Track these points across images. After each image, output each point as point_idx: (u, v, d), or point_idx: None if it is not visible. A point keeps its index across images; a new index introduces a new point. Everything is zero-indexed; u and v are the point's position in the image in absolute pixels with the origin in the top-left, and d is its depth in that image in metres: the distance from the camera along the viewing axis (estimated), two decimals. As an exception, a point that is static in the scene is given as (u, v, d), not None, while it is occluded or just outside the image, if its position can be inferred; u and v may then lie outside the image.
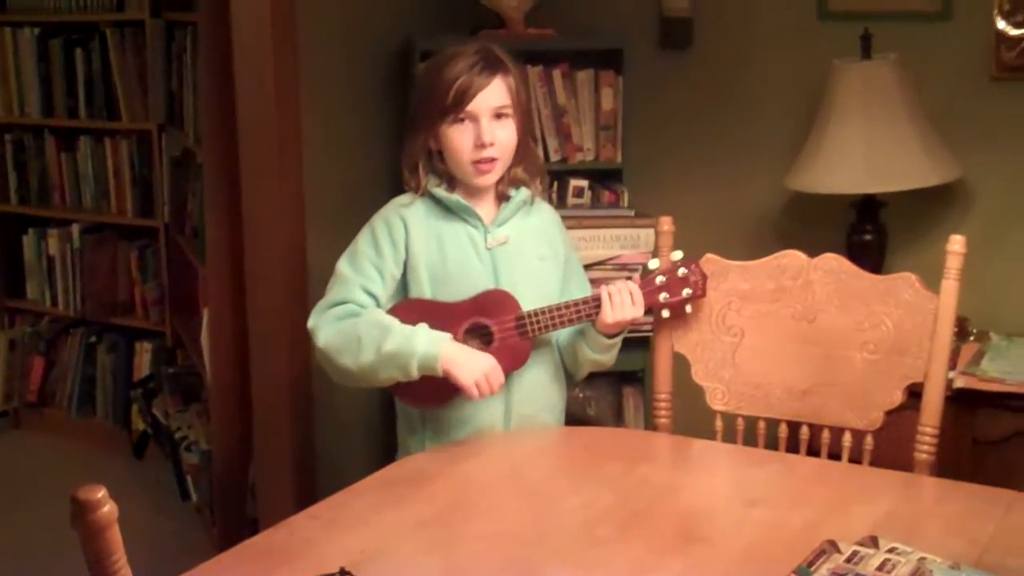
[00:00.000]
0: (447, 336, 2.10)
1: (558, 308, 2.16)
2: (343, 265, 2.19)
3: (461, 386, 2.07)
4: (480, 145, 2.14)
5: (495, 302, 2.16)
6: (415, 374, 2.08)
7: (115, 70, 4.17)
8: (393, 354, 2.06)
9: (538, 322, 2.15)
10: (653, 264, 2.21)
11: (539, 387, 2.25)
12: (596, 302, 2.16)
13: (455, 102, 2.13)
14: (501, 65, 2.18)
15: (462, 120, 2.14)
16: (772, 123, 3.26)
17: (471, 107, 2.13)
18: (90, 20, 4.20)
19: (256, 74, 2.76)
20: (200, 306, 3.51)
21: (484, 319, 2.16)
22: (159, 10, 4.03)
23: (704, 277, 2.20)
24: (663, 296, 2.18)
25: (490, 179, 2.20)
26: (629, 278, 2.22)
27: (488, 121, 2.14)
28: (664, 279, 2.18)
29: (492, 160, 2.16)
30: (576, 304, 2.16)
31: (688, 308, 2.21)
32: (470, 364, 2.07)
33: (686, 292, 2.18)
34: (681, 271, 2.18)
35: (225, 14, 2.78)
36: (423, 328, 2.09)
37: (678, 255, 2.19)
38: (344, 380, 2.19)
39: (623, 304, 2.14)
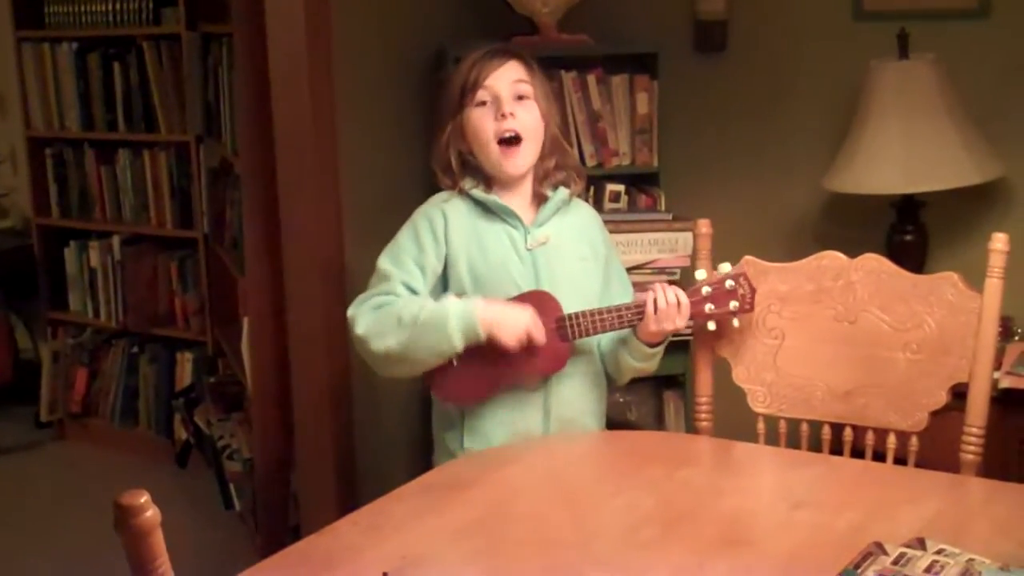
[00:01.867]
0: (478, 298, 2.11)
1: (600, 312, 2.14)
2: (384, 261, 2.20)
3: (505, 345, 2.09)
4: (501, 116, 2.15)
5: (536, 303, 2.15)
6: (458, 342, 2.08)
7: (153, 83, 4.21)
8: (428, 321, 2.07)
9: (579, 325, 2.14)
10: (700, 275, 2.17)
11: (579, 391, 2.25)
12: (639, 309, 2.14)
13: (473, 82, 2.17)
14: (516, 52, 2.23)
15: (483, 103, 2.18)
16: (809, 124, 3.24)
17: (489, 82, 2.17)
18: (127, 34, 4.24)
19: (292, 84, 2.77)
20: (240, 315, 3.53)
21: None
22: (195, 23, 4.06)
23: (752, 291, 2.14)
24: (708, 307, 2.14)
25: (517, 164, 2.19)
26: (672, 282, 2.19)
27: (509, 97, 2.17)
28: (710, 290, 2.14)
29: (516, 138, 2.17)
30: (619, 310, 2.15)
31: (735, 322, 2.17)
32: (511, 322, 2.09)
33: (733, 305, 2.14)
34: (728, 283, 2.13)
35: (260, 25, 2.80)
36: (451, 297, 2.11)
37: (726, 267, 2.14)
38: (386, 366, 2.17)
39: (667, 313, 2.12)
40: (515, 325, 2.09)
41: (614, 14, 3.25)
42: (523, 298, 2.16)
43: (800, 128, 3.26)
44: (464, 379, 2.14)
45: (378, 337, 2.12)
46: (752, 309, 2.15)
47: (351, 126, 2.92)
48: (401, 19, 3.13)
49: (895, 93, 2.88)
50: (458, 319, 2.07)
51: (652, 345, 2.20)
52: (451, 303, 2.09)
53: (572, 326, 2.14)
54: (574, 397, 2.24)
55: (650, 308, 2.12)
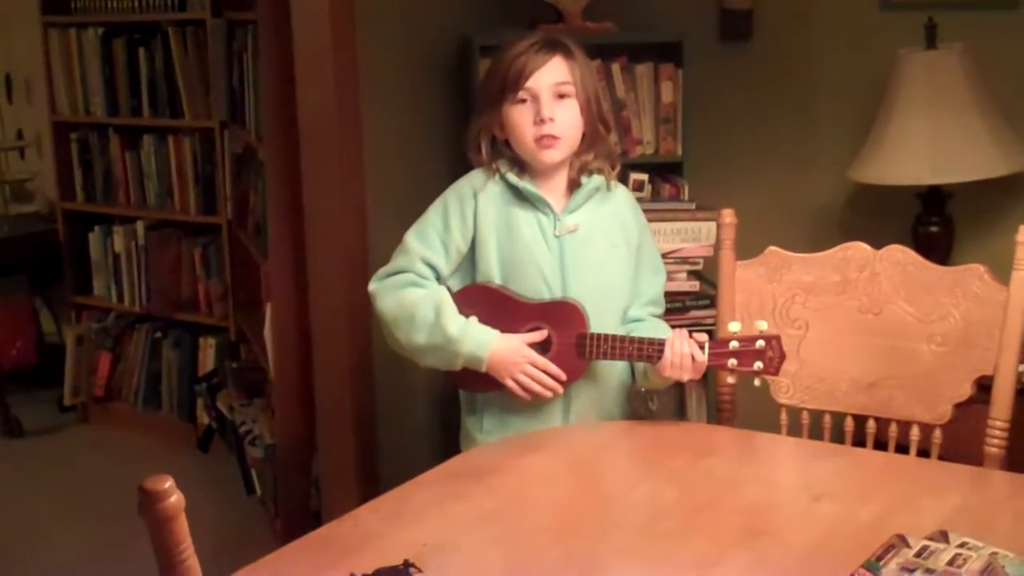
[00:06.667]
0: (496, 334, 2.13)
1: (622, 340, 2.14)
2: (409, 236, 2.23)
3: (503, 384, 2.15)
4: (540, 121, 2.14)
5: (563, 314, 2.16)
6: (458, 368, 2.15)
7: (177, 69, 4.22)
8: (440, 346, 2.12)
9: (598, 346, 2.14)
10: (734, 326, 2.10)
11: (600, 376, 2.25)
12: (660, 347, 2.11)
13: (514, 80, 2.15)
14: (562, 47, 2.19)
15: (523, 101, 2.16)
16: (834, 114, 3.22)
17: (530, 83, 2.15)
18: (152, 20, 4.25)
19: (316, 71, 2.77)
20: (263, 301, 3.54)
21: (548, 327, 2.16)
22: (220, 9, 4.06)
23: (782, 356, 2.06)
24: (731, 362, 2.08)
25: (554, 156, 2.18)
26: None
27: (549, 99, 2.15)
28: (738, 345, 2.07)
29: (554, 137, 2.16)
30: (640, 342, 2.13)
31: (756, 382, 2.10)
32: (511, 367, 2.13)
33: (757, 366, 2.06)
34: (759, 343, 2.06)
35: (285, 12, 2.80)
36: (474, 324, 2.13)
37: (763, 324, 2.08)
38: (396, 350, 2.23)
39: (681, 366, 2.09)
40: (512, 372, 2.14)
41: (639, 2, 3.24)
42: (550, 307, 2.17)
43: (825, 118, 3.24)
44: (480, 372, 2.16)
45: (392, 325, 2.18)
46: (776, 374, 2.09)
47: (375, 112, 2.92)
48: (425, 6, 3.13)
49: (922, 83, 2.86)
50: (466, 359, 2.13)
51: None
52: (469, 340, 2.12)
53: (591, 346, 2.14)
54: (595, 381, 2.25)
55: (667, 356, 2.09)
